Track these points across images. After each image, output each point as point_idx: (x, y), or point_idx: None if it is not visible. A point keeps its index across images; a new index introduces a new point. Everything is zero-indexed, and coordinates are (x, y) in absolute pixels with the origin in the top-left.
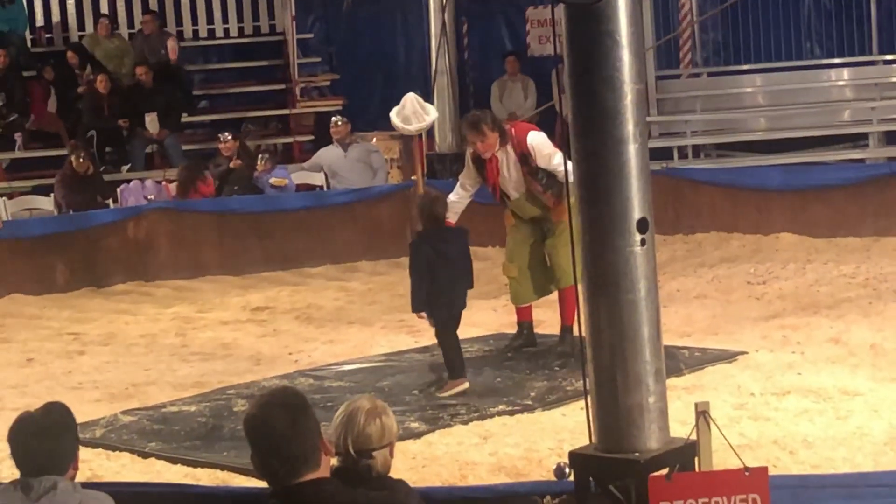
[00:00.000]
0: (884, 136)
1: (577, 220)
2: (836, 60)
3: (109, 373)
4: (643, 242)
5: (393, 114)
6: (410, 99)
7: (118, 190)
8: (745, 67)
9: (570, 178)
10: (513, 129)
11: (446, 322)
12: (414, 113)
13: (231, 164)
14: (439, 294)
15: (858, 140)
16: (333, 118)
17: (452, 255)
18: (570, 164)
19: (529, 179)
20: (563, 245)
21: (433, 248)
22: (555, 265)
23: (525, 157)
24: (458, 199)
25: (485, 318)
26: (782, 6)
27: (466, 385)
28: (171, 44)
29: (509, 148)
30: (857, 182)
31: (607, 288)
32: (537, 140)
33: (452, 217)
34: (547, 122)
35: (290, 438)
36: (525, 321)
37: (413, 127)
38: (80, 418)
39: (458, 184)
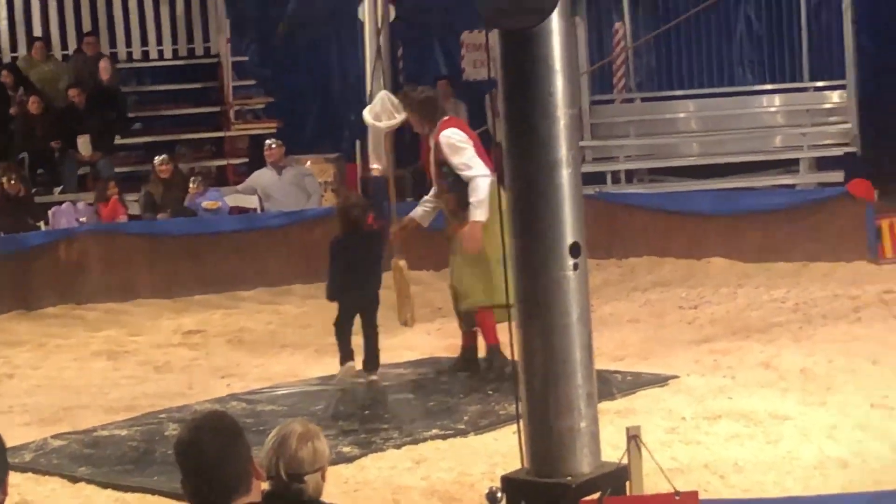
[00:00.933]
0: (814, 161)
1: (508, 243)
2: (768, 87)
3: (39, 396)
4: (576, 267)
5: (366, 111)
6: (382, 97)
7: (50, 212)
8: (678, 93)
9: (480, 196)
10: (443, 122)
11: (345, 311)
12: (384, 111)
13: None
14: (349, 289)
15: (789, 166)
16: (267, 141)
17: (365, 255)
18: (483, 183)
19: (437, 171)
20: (459, 266)
21: (348, 250)
22: (455, 286)
23: (437, 147)
24: (430, 197)
25: (419, 341)
26: (715, 32)
27: (350, 364)
28: (104, 64)
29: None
30: (788, 207)
31: (540, 312)
32: (446, 135)
33: (423, 218)
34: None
35: (221, 463)
36: (472, 345)
37: (383, 124)
38: (9, 442)
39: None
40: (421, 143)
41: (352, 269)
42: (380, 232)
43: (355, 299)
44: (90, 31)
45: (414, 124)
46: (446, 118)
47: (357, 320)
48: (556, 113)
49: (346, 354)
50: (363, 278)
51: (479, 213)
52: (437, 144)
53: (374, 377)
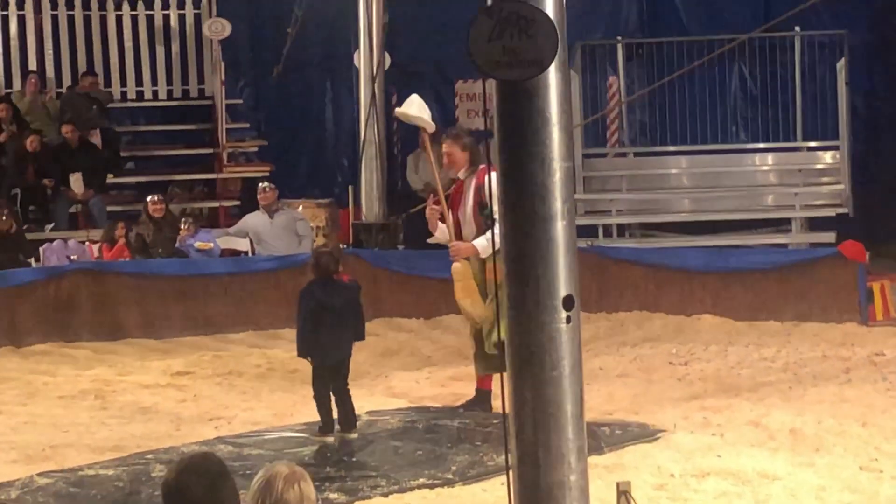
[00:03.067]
0: (806, 221)
1: (503, 294)
2: (761, 145)
3: (27, 434)
4: (569, 320)
5: (417, 110)
6: (418, 98)
7: (40, 249)
8: (671, 149)
9: (493, 238)
10: (483, 168)
11: (318, 370)
12: (423, 108)
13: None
14: (318, 343)
15: (781, 225)
16: (261, 184)
17: (336, 307)
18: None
19: (476, 213)
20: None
21: (317, 298)
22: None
23: (480, 188)
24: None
25: (407, 389)
26: (709, 89)
27: (329, 439)
28: (94, 137)
29: (474, 178)
30: (779, 266)
31: (532, 364)
32: (495, 177)
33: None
34: None
35: None
36: (485, 389)
37: (426, 116)
38: None
39: None
40: (454, 190)
41: (318, 321)
42: (354, 286)
43: (324, 356)
44: (87, 71)
45: (454, 162)
46: (484, 165)
47: None
48: (551, 165)
49: (326, 424)
50: (330, 333)
51: (482, 247)
52: (480, 186)
53: (352, 436)
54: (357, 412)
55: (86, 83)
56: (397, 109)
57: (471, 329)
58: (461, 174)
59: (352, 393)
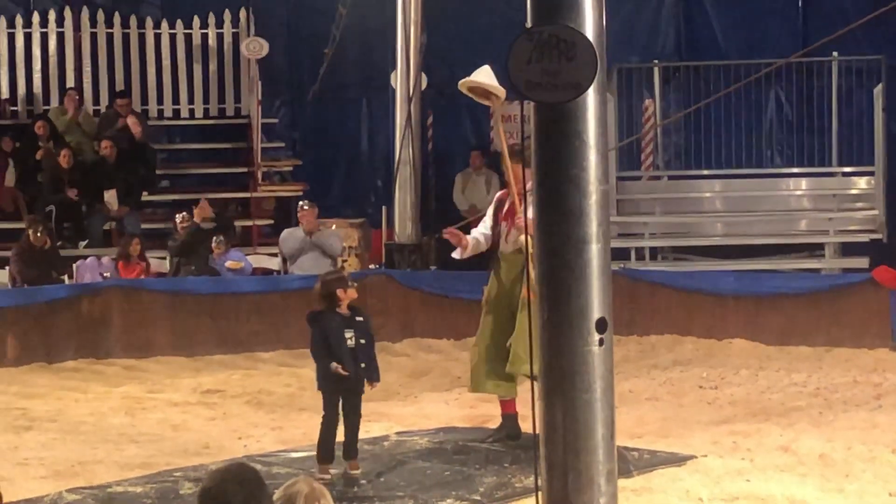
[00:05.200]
0: (839, 247)
1: (536, 317)
2: (796, 170)
3: (56, 450)
4: (601, 342)
5: (485, 77)
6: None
7: (74, 266)
8: (706, 172)
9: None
10: None
11: (327, 400)
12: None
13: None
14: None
15: (814, 250)
16: (301, 202)
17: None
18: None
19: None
20: (522, 332)
21: (323, 327)
22: (511, 350)
23: None
24: (483, 238)
25: (436, 410)
26: (745, 114)
27: (326, 477)
28: (132, 119)
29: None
30: (812, 292)
31: (564, 386)
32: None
33: (475, 243)
34: None
35: None
36: (509, 413)
37: (494, 84)
38: (24, 495)
39: (483, 224)
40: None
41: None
42: (313, 315)
43: (331, 387)
44: (122, 92)
45: (515, 178)
46: None
47: None
48: (588, 188)
49: (324, 454)
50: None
51: None
52: None
53: (353, 471)
54: (386, 432)
55: (118, 106)
56: (462, 80)
57: (480, 345)
58: (518, 187)
59: (380, 412)
